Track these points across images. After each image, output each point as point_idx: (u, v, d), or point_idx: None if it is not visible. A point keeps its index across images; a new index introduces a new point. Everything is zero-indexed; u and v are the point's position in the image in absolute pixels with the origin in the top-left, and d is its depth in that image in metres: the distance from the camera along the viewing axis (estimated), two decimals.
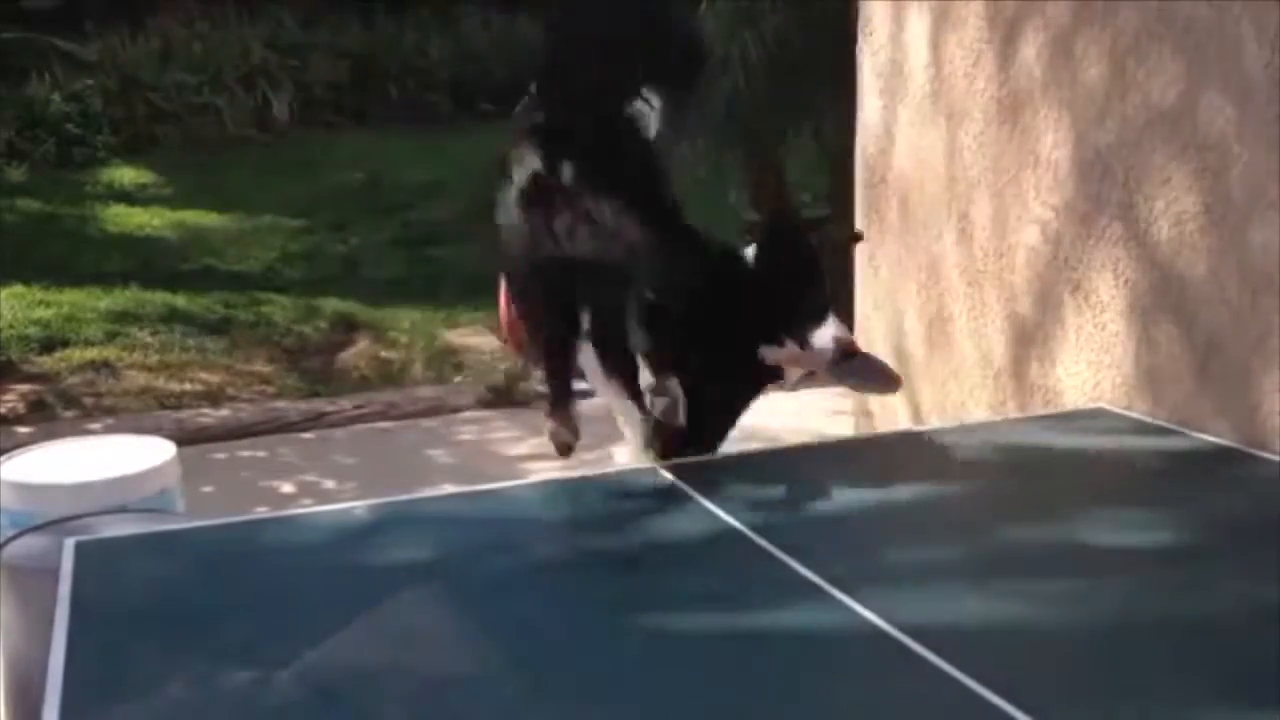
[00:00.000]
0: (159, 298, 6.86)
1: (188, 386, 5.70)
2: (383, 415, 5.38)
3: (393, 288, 7.45)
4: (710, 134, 5.47)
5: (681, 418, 2.22)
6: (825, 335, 2.37)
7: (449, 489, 2.59)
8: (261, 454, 4.92)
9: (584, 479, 2.57)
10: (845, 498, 2.31)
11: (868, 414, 3.68)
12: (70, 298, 6.78)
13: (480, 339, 6.54)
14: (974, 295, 3.19)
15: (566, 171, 2.15)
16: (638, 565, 2.07)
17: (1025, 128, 2.98)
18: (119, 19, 11.86)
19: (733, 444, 2.51)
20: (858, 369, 2.42)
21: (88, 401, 5.49)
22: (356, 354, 6.34)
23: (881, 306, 3.57)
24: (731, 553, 2.06)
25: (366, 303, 7.05)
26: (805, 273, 2.41)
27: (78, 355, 5.96)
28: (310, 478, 4.66)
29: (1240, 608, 1.83)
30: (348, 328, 6.72)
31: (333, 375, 6.06)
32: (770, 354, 2.40)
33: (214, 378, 5.84)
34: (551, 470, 4.56)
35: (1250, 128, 2.41)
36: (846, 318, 3.74)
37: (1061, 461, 2.50)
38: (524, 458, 4.91)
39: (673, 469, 2.35)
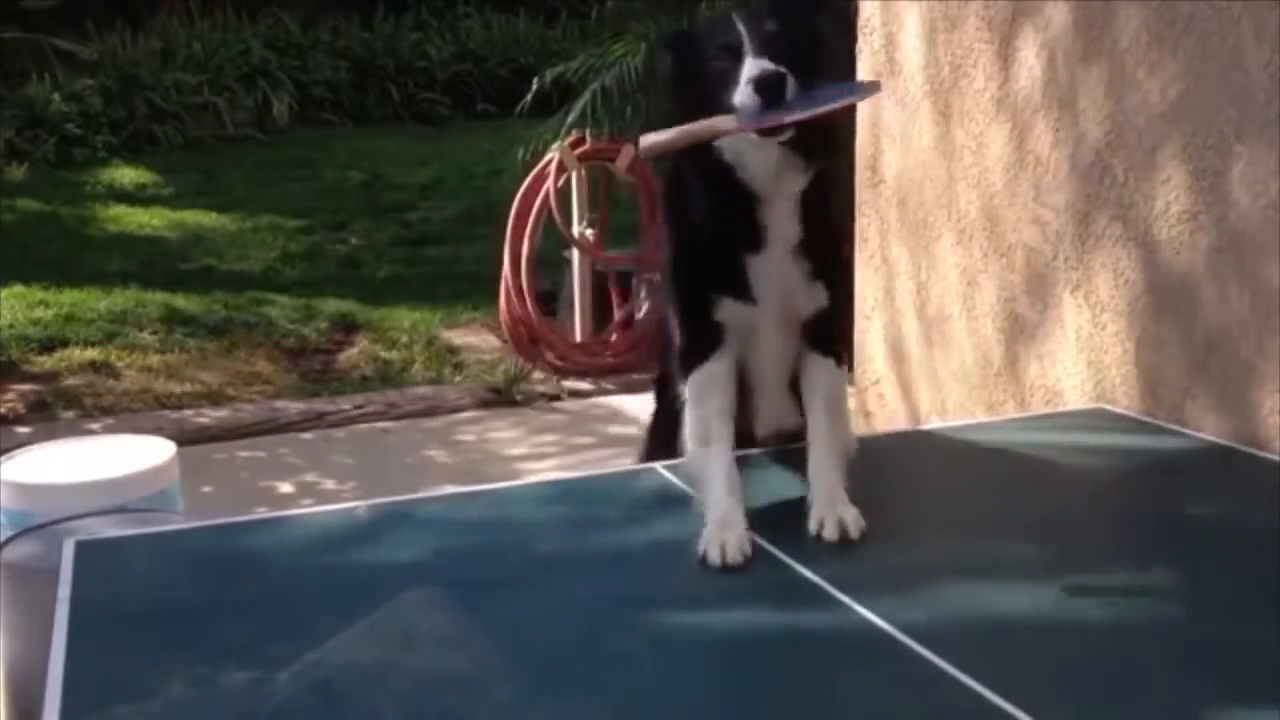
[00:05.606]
0: (159, 298, 6.86)
1: (188, 386, 5.69)
2: (383, 415, 5.38)
3: (392, 287, 7.45)
4: None
5: None
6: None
7: (449, 489, 2.58)
8: (261, 454, 4.92)
9: (584, 479, 2.57)
10: None
11: (868, 414, 3.67)
12: (70, 298, 6.79)
13: (480, 339, 6.54)
14: (974, 295, 3.19)
15: None
16: (638, 565, 2.07)
17: (1025, 128, 2.98)
18: (119, 19, 11.88)
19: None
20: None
21: (88, 401, 5.49)
22: (356, 354, 6.34)
23: (881, 306, 3.57)
24: None
25: (366, 303, 7.05)
26: None
27: (78, 355, 5.96)
28: (310, 478, 4.65)
29: (1239, 608, 1.83)
30: (347, 328, 6.71)
31: (333, 375, 6.06)
32: (646, 140, 1.99)
33: (214, 378, 5.84)
34: (551, 470, 4.57)
35: (1250, 128, 2.41)
36: (846, 317, 3.75)
37: (1061, 461, 2.50)
38: (523, 457, 4.92)
39: (672, 469, 2.35)
